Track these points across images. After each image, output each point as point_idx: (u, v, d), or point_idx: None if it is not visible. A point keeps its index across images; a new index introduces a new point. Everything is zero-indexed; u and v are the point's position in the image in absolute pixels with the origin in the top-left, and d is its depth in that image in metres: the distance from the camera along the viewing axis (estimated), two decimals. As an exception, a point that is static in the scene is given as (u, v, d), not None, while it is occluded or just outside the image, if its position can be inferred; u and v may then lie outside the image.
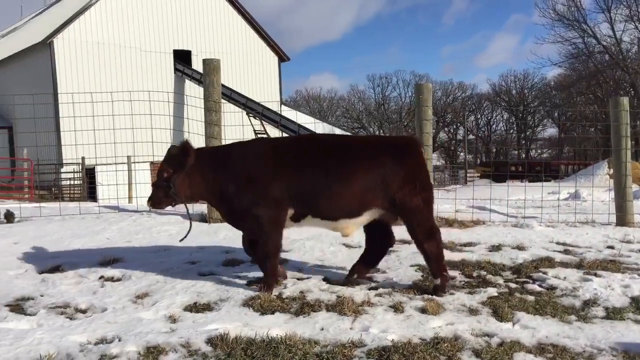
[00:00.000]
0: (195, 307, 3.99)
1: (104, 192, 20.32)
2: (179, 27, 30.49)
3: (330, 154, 4.35)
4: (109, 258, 5.18)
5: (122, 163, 19.48)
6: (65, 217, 7.63)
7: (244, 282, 4.60)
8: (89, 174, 23.40)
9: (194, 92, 24.39)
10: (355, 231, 4.51)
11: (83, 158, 22.54)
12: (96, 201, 15.62)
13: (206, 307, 3.99)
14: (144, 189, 5.87)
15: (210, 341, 3.31)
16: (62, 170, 24.67)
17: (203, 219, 7.28)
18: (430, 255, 4.33)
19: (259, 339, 3.33)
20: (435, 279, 4.37)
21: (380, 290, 4.37)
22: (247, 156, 4.39)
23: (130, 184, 20.08)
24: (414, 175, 4.32)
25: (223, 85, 7.97)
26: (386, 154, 4.34)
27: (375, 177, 4.25)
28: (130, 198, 18.38)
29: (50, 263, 5.05)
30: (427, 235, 4.32)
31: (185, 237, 4.67)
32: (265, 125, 28.19)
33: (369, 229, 4.64)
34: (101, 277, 4.72)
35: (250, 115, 28.03)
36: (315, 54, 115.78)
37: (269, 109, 27.75)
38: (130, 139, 9.46)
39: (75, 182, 24.75)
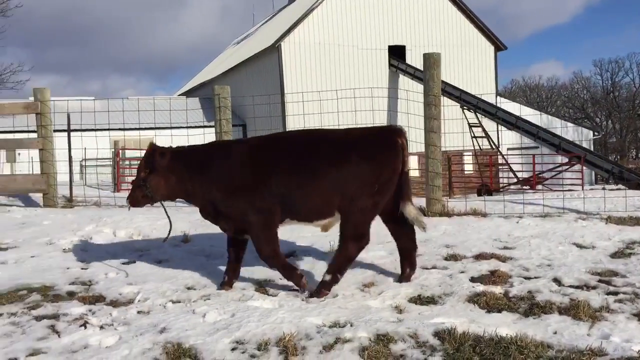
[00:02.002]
0: (419, 300, 4.07)
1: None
2: (394, 23, 31.01)
3: (301, 153, 4.19)
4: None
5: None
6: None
7: (468, 277, 4.55)
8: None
9: (406, 86, 24.62)
10: (333, 226, 4.33)
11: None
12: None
13: (430, 300, 4.05)
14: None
15: (437, 334, 3.34)
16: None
17: (422, 212, 7.33)
18: (342, 254, 4.12)
19: (487, 337, 3.27)
20: (326, 274, 4.14)
21: (621, 295, 4.00)
22: (227, 160, 4.31)
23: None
24: (377, 175, 4.06)
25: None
26: (353, 150, 4.10)
27: (340, 175, 4.06)
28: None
29: (286, 249, 5.53)
30: (356, 237, 4.09)
31: (167, 238, 4.76)
32: (480, 118, 27.33)
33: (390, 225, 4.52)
34: (330, 264, 5.05)
35: (465, 107, 27.40)
36: (539, 40, 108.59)
37: (484, 101, 26.80)
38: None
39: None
